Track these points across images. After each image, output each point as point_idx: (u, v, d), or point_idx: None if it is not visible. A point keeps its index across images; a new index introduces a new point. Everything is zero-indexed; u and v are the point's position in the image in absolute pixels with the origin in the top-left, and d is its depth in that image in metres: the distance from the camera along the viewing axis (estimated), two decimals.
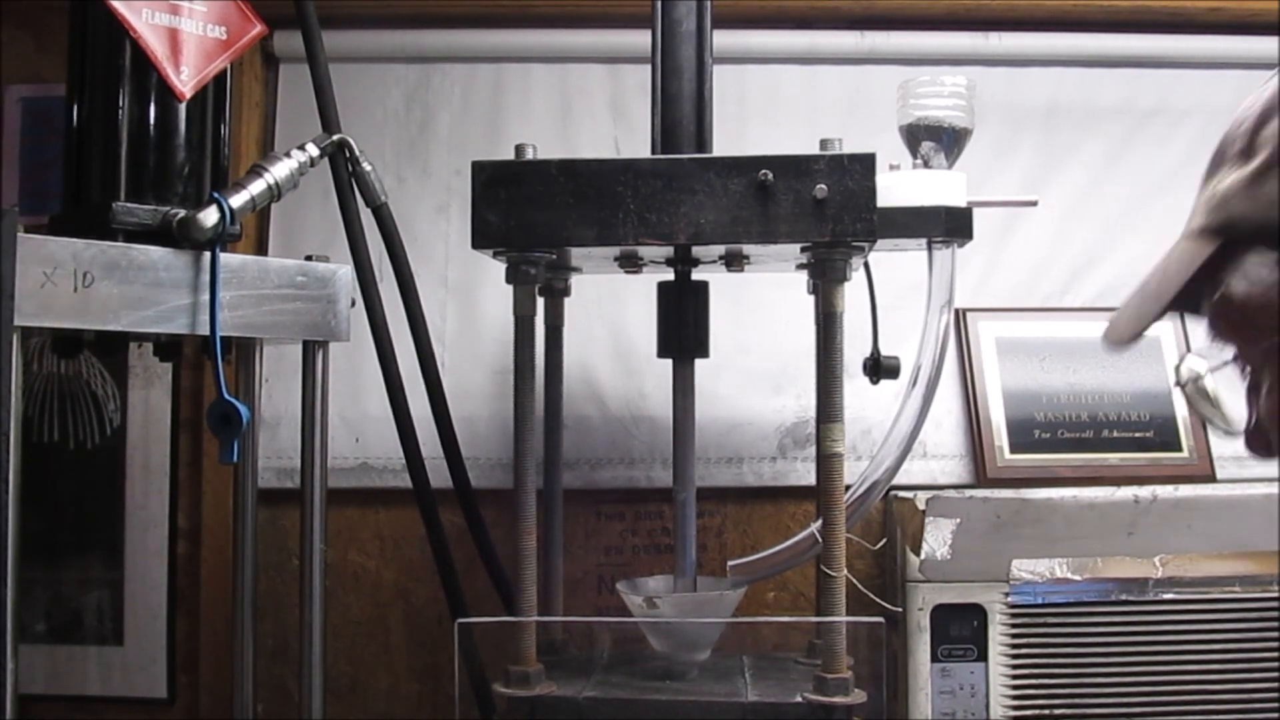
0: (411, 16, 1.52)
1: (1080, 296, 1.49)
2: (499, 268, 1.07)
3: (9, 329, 0.83)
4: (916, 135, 1.15)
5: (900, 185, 1.12)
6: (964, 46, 1.52)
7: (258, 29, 1.05)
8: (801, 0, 1.50)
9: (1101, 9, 1.51)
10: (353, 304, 1.09)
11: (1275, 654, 1.27)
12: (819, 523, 1.04)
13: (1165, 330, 1.43)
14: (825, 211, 0.98)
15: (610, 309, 1.48)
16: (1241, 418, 0.67)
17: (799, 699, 1.02)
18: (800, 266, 1.17)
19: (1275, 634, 1.28)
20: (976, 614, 1.29)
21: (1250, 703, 1.27)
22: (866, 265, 1.19)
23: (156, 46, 0.97)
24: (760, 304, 1.46)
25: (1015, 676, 1.28)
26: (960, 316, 1.47)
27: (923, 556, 1.28)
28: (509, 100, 1.53)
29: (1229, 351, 0.66)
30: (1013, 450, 1.42)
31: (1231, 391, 0.68)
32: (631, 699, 1.05)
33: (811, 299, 1.14)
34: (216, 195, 0.97)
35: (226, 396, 0.95)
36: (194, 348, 1.22)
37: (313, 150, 1.08)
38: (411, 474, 1.21)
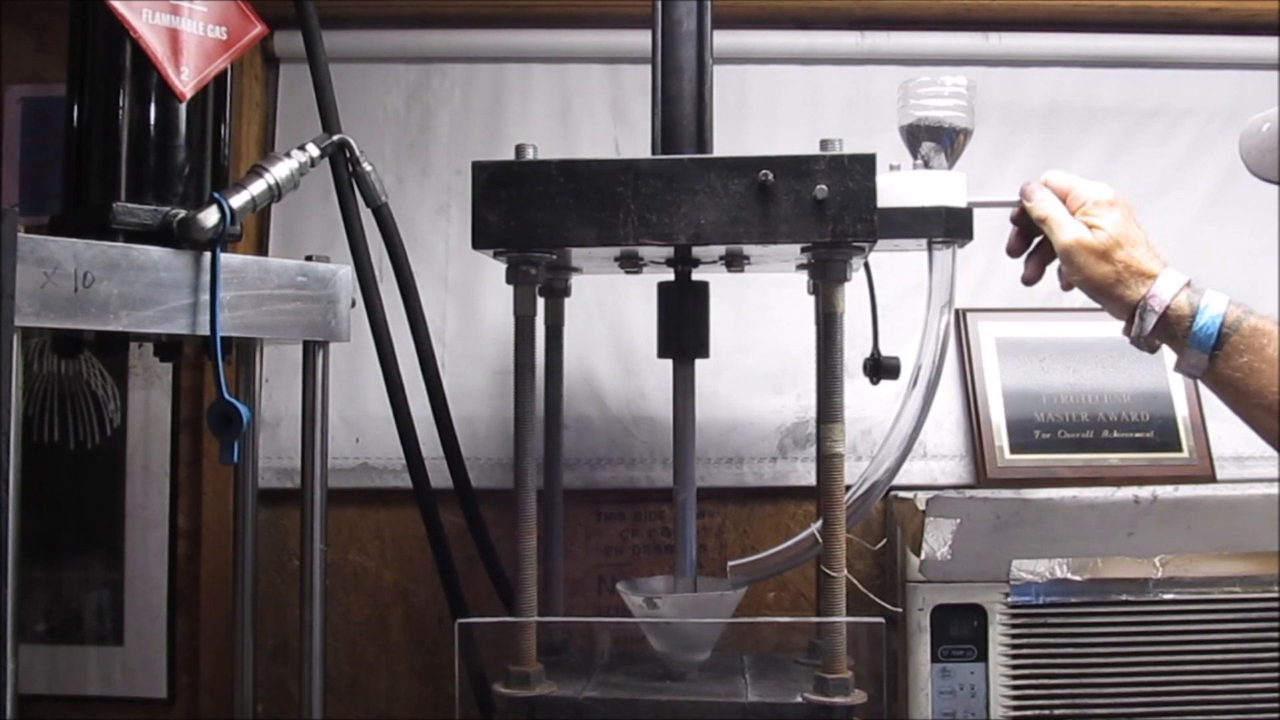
0: (411, 16, 1.52)
1: (1081, 296, 1.48)
2: (499, 268, 1.07)
3: (9, 329, 0.83)
4: (917, 135, 1.15)
5: (900, 185, 1.11)
6: (964, 46, 1.52)
7: (258, 29, 1.05)
8: (801, 0, 1.50)
9: (1101, 9, 1.51)
10: (353, 304, 1.09)
11: (1275, 654, 1.28)
12: (819, 523, 1.04)
13: None
14: (825, 212, 0.98)
15: (610, 309, 1.48)
16: None
17: (799, 699, 1.02)
18: (800, 267, 1.17)
19: (1275, 634, 1.28)
20: (976, 614, 1.29)
21: (1250, 703, 1.27)
22: (867, 265, 1.19)
23: (157, 47, 0.97)
24: (760, 304, 1.46)
25: (1015, 676, 1.28)
26: (960, 316, 1.47)
27: (923, 557, 1.28)
28: (509, 100, 1.53)
29: None
30: (1013, 450, 1.42)
31: None
32: (631, 699, 1.05)
33: (812, 299, 1.14)
34: (217, 195, 0.97)
35: (227, 396, 0.95)
36: (194, 348, 1.22)
37: (313, 150, 1.08)
38: (411, 474, 1.21)
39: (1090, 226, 1.04)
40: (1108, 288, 1.03)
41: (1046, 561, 1.28)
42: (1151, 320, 1.01)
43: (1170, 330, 1.01)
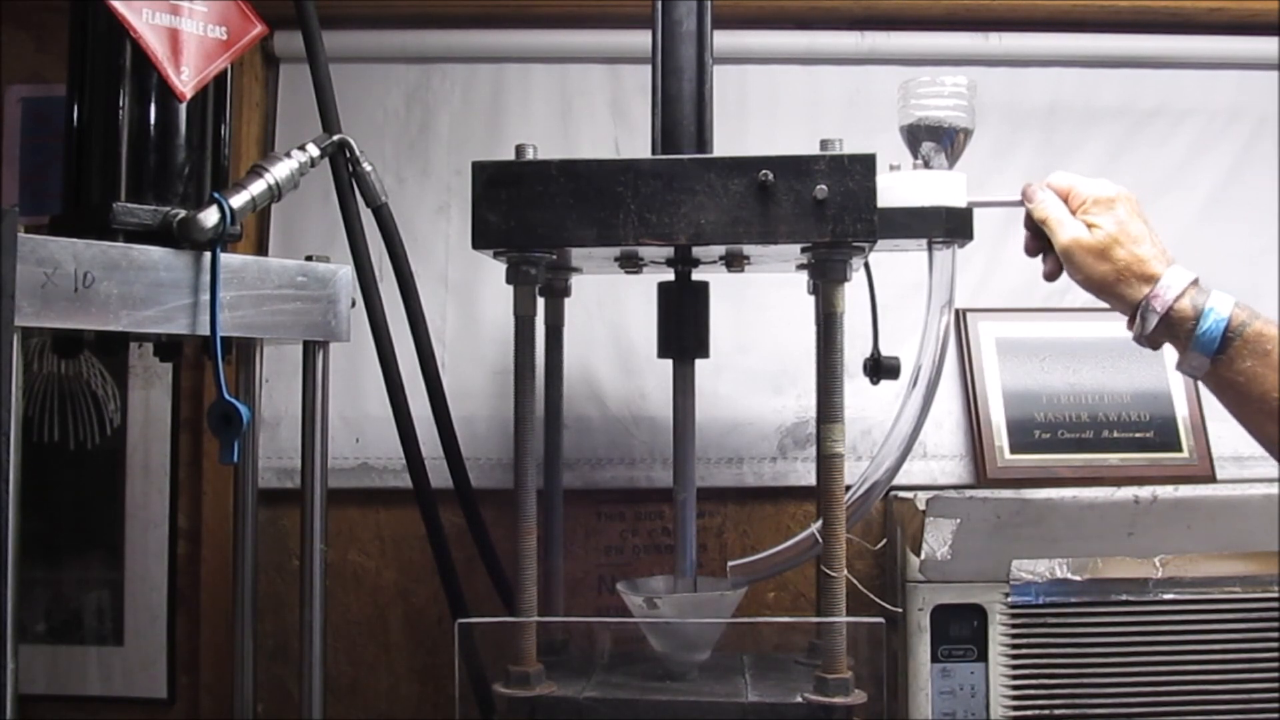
0: (411, 16, 1.52)
1: (1080, 296, 1.48)
2: (499, 268, 1.07)
3: (9, 329, 0.83)
4: (917, 135, 1.15)
5: (900, 185, 1.11)
6: (964, 46, 1.52)
7: (258, 29, 1.05)
8: (801, 0, 1.50)
9: (1101, 9, 1.51)
10: (353, 304, 1.09)
11: (1275, 654, 1.27)
12: (819, 523, 1.04)
13: None
14: (825, 212, 0.98)
15: (610, 309, 1.48)
16: None
17: (799, 699, 1.02)
18: (800, 267, 1.17)
19: (1275, 634, 1.28)
20: (976, 614, 1.29)
21: (1250, 703, 1.27)
22: (867, 265, 1.19)
23: (157, 47, 0.97)
24: (760, 304, 1.46)
25: (1015, 676, 1.28)
26: (960, 316, 1.47)
27: (923, 557, 1.28)
28: (509, 100, 1.53)
29: None
30: (1013, 450, 1.42)
31: None
32: (631, 699, 1.05)
33: (812, 299, 1.14)
34: (217, 195, 0.97)
35: (227, 396, 0.95)
36: (194, 348, 1.22)
37: (313, 150, 1.08)
38: (411, 474, 1.21)
39: (1089, 226, 1.03)
40: (1108, 287, 1.03)
41: (1046, 561, 1.28)
42: (1154, 321, 1.00)
43: (1173, 331, 1.00)
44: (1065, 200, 1.07)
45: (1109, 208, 1.03)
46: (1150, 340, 1.03)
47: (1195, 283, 1.01)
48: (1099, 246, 1.02)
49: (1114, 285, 1.02)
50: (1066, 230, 1.05)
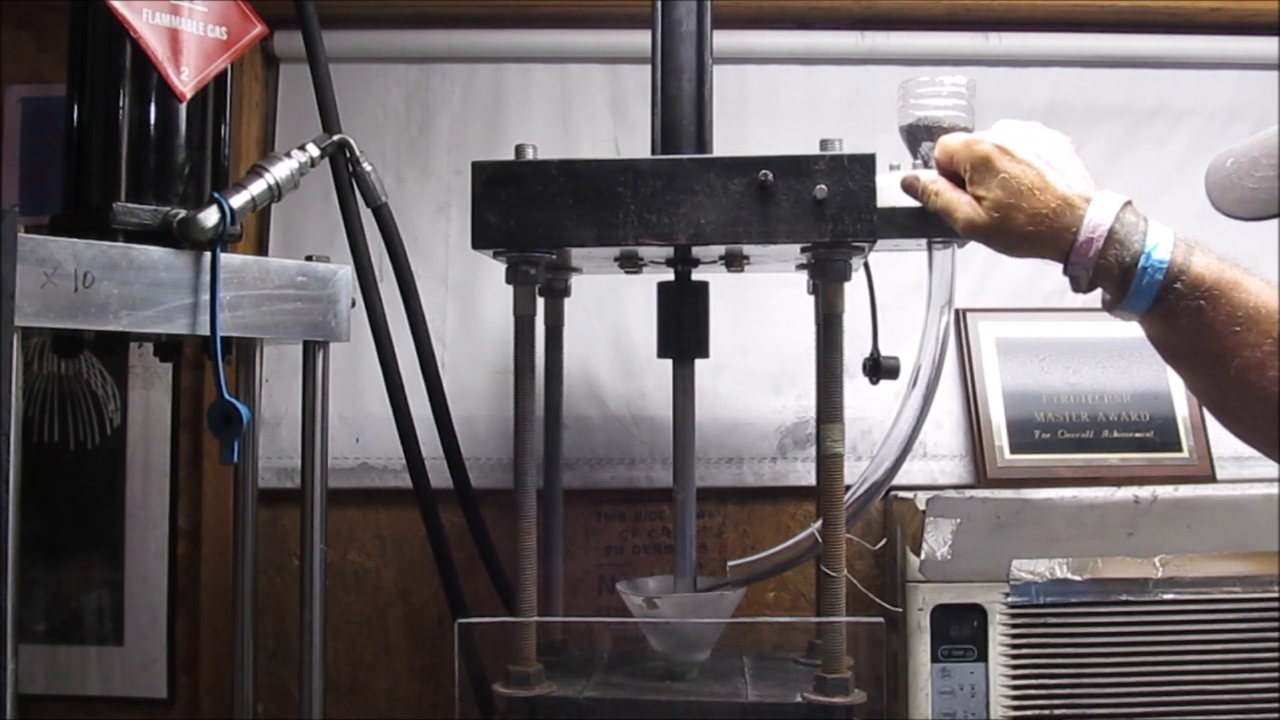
0: (411, 16, 1.52)
1: (1080, 296, 1.49)
2: (499, 268, 1.07)
3: (9, 329, 0.83)
4: (916, 135, 1.15)
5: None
6: (964, 46, 1.52)
7: (258, 29, 1.05)
8: (801, 0, 1.50)
9: (1101, 9, 1.51)
10: (353, 304, 1.09)
11: (1275, 654, 1.27)
12: (819, 523, 1.04)
13: None
14: (825, 212, 0.98)
15: (610, 309, 1.48)
16: None
17: (799, 699, 1.02)
18: (800, 267, 1.17)
19: (1275, 634, 1.28)
20: (976, 614, 1.29)
21: (1250, 703, 1.27)
22: (866, 265, 1.19)
23: (157, 47, 0.97)
24: (760, 304, 1.46)
25: (1015, 676, 1.28)
26: (960, 316, 1.47)
27: (923, 556, 1.28)
28: (509, 100, 1.53)
29: None
30: (1013, 450, 1.42)
31: None
32: (631, 699, 1.05)
33: (811, 299, 1.14)
34: (217, 195, 0.97)
35: (227, 396, 0.95)
36: (194, 348, 1.22)
37: (313, 150, 1.09)
38: (411, 474, 1.21)
39: (979, 199, 0.89)
40: (1033, 254, 0.89)
41: (1046, 561, 1.28)
42: (1085, 280, 0.88)
43: (1106, 282, 0.88)
44: (952, 171, 0.93)
45: (988, 169, 0.88)
46: (1089, 290, 0.90)
47: (1120, 218, 0.85)
48: (995, 223, 0.88)
49: (1036, 251, 0.88)
50: (956, 216, 0.91)
